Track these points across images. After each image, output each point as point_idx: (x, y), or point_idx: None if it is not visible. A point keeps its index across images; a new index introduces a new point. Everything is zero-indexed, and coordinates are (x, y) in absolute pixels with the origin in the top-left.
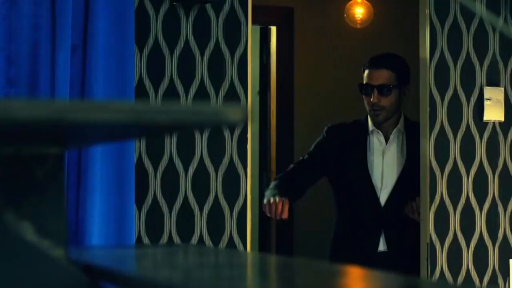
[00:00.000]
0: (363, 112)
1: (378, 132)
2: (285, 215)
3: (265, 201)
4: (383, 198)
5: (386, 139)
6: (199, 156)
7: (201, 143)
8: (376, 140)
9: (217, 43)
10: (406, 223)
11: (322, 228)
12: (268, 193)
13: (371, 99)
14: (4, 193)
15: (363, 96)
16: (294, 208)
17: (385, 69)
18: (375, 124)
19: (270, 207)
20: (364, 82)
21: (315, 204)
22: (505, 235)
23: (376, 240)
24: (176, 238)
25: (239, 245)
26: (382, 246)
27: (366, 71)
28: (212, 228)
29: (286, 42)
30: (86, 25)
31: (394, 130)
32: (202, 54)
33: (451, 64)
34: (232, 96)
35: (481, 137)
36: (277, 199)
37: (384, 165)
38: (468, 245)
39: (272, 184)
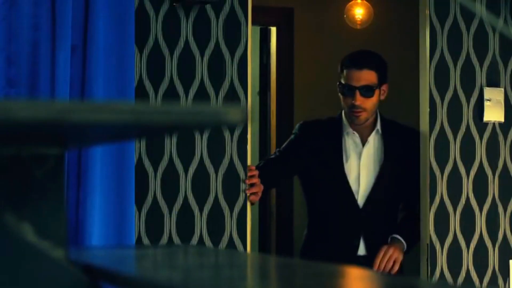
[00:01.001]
0: None
1: (354, 133)
2: (253, 199)
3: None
4: (361, 201)
5: (363, 141)
6: (199, 157)
7: (201, 144)
8: (352, 142)
9: (217, 44)
10: (386, 227)
11: None
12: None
13: (353, 101)
14: (4, 194)
15: (341, 96)
16: (294, 209)
17: (368, 69)
18: (351, 124)
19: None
20: (344, 82)
21: None
22: (505, 236)
23: (356, 244)
24: (176, 239)
25: (239, 246)
26: (361, 251)
27: (346, 71)
28: (212, 228)
29: (286, 42)
30: (86, 25)
31: (373, 132)
32: (202, 55)
33: (451, 65)
34: (232, 96)
35: (481, 137)
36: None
37: (361, 167)
38: (468, 246)
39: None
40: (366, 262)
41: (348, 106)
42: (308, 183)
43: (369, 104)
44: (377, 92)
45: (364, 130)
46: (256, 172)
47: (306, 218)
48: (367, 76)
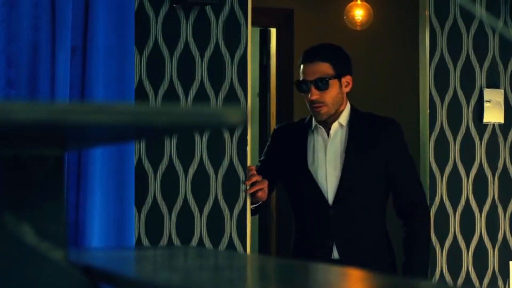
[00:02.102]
0: None
1: (320, 128)
2: (261, 195)
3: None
4: (330, 199)
5: (329, 135)
6: (199, 158)
7: (201, 145)
8: (319, 138)
9: (217, 45)
10: (357, 225)
11: None
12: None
13: (309, 96)
14: (4, 195)
15: (301, 93)
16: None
17: (320, 61)
18: (318, 120)
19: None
20: (300, 79)
21: None
22: (505, 237)
23: (330, 246)
24: (176, 240)
25: (239, 247)
26: (335, 254)
27: (301, 67)
28: (212, 230)
29: (286, 44)
30: (86, 26)
31: (335, 125)
32: (202, 56)
33: (450, 66)
34: (232, 98)
35: (481, 139)
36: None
37: (326, 163)
38: (468, 247)
39: None
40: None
41: (308, 102)
42: (288, 187)
43: (327, 97)
44: (335, 84)
45: (331, 125)
46: (255, 173)
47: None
48: (320, 68)
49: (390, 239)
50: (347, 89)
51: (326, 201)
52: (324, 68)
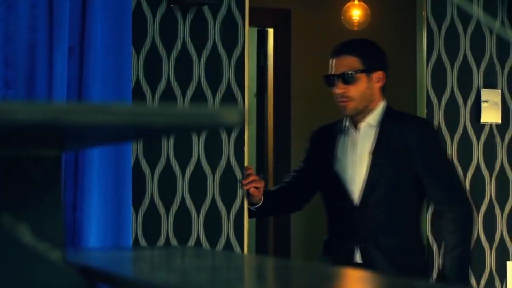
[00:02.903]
0: None
1: (350, 128)
2: (253, 192)
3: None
4: (356, 200)
5: (358, 136)
6: (196, 158)
7: (198, 145)
8: (348, 138)
9: (214, 45)
10: (381, 231)
11: (320, 230)
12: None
13: (336, 90)
14: (2, 195)
15: (329, 88)
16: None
17: (347, 55)
18: (352, 120)
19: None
20: (328, 73)
21: (313, 205)
22: (502, 237)
23: (353, 249)
24: (173, 240)
25: (236, 247)
26: (358, 257)
27: (329, 62)
28: (209, 230)
29: (283, 44)
30: (84, 26)
31: (363, 125)
32: (199, 56)
33: (448, 66)
34: (229, 98)
35: (478, 139)
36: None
37: (353, 164)
38: None
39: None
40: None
41: (335, 97)
42: (320, 188)
43: (354, 91)
44: (363, 78)
45: (362, 124)
46: (253, 173)
47: (303, 220)
48: (347, 62)
49: (423, 243)
50: (378, 85)
51: (351, 202)
52: (351, 61)
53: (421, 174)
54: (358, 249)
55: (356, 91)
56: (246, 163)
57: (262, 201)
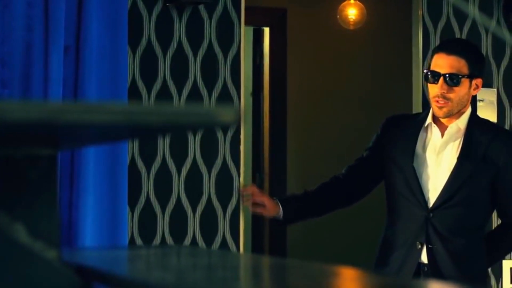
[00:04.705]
0: (358, 112)
1: (434, 126)
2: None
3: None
4: (431, 202)
5: (443, 135)
6: (192, 157)
7: (194, 144)
8: (432, 136)
9: (210, 44)
10: (451, 235)
11: (316, 229)
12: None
13: (437, 89)
14: None
15: (427, 84)
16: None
17: (457, 55)
18: (435, 117)
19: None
20: (430, 68)
21: None
22: None
23: (419, 250)
24: (169, 239)
25: (232, 246)
26: (423, 258)
27: (435, 56)
28: (205, 229)
29: (279, 43)
30: (79, 26)
31: (452, 126)
32: (195, 55)
33: None
34: (225, 97)
35: None
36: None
37: (435, 165)
38: None
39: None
40: (428, 271)
41: (432, 95)
42: (387, 180)
43: (454, 94)
44: (465, 83)
45: (447, 125)
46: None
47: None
48: (455, 63)
49: (484, 252)
50: (475, 92)
51: (425, 203)
52: (460, 64)
53: (500, 192)
54: (424, 249)
55: (456, 94)
56: (242, 162)
57: (282, 209)
